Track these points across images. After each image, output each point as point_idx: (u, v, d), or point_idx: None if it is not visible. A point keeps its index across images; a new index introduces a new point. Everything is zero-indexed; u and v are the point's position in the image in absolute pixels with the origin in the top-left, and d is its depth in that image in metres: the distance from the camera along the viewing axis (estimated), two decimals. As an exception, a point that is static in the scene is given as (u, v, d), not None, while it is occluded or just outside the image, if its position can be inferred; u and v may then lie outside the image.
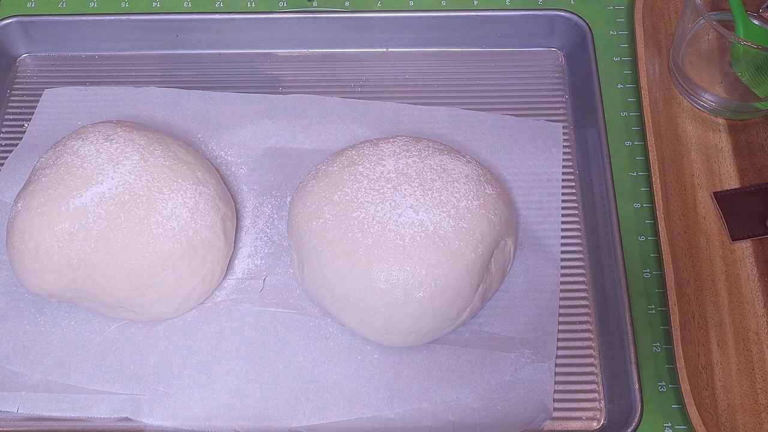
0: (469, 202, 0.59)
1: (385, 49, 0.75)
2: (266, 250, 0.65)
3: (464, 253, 0.57)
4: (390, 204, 0.58)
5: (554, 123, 0.71)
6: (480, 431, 0.58)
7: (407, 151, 0.61)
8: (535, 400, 0.58)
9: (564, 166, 0.69)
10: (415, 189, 0.59)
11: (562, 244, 0.65)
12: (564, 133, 0.70)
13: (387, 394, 0.59)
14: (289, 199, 0.66)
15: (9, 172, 0.68)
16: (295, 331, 0.61)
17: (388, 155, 0.61)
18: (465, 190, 0.59)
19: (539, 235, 0.65)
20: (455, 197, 0.59)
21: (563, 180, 0.68)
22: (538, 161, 0.69)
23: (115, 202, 0.58)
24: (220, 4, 0.79)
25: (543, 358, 0.60)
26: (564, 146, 0.70)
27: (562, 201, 0.67)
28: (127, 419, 0.58)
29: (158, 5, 0.79)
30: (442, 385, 0.59)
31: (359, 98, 0.72)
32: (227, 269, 0.63)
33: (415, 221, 0.57)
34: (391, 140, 0.63)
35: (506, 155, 0.69)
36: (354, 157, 0.62)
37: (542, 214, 0.66)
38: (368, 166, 0.61)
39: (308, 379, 0.59)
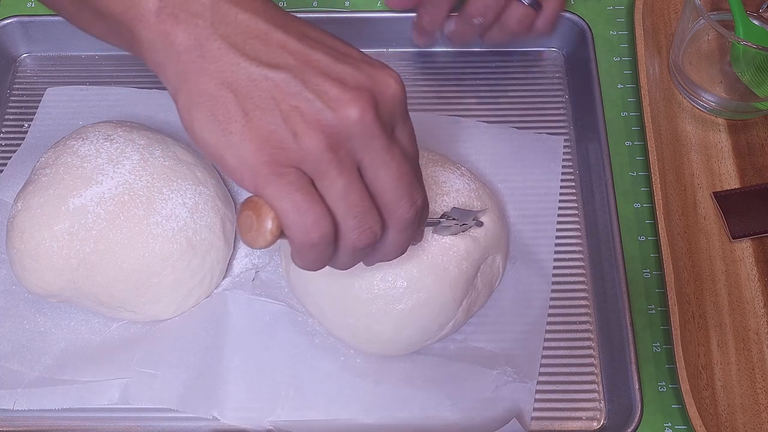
0: None
1: (385, 49, 0.75)
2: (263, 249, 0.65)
3: (447, 269, 0.57)
4: None
5: (555, 136, 0.70)
6: None
7: None
8: (513, 419, 0.57)
9: (564, 167, 0.69)
10: None
11: (562, 245, 0.65)
12: (565, 139, 0.70)
13: (366, 399, 0.58)
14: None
15: (10, 171, 0.68)
16: (283, 323, 0.61)
17: None
18: (455, 204, 0.59)
19: (532, 250, 0.65)
20: (442, 211, 0.58)
21: (564, 180, 0.68)
22: (537, 175, 0.68)
23: (114, 202, 0.58)
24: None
25: (525, 378, 0.59)
26: (564, 146, 0.69)
27: (562, 202, 0.67)
28: (121, 412, 0.58)
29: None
30: (422, 395, 0.59)
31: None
32: (226, 269, 0.63)
33: None
34: None
35: (504, 168, 0.68)
36: None
37: (537, 228, 0.66)
38: None
39: (290, 374, 0.59)
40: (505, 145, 0.69)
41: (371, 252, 0.45)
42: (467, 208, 0.58)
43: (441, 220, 0.55)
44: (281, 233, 0.42)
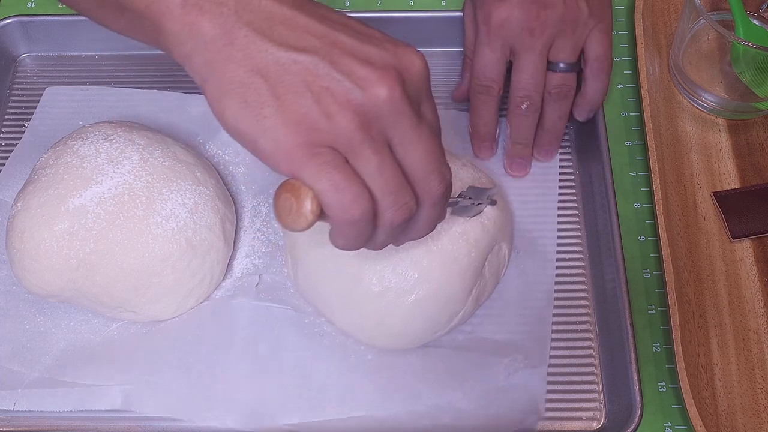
0: None
1: (385, 49, 0.75)
2: (263, 250, 0.65)
3: (457, 258, 0.57)
4: None
5: None
6: None
7: None
8: (526, 406, 0.58)
9: (564, 167, 0.69)
10: None
11: (562, 245, 0.65)
12: (565, 139, 0.70)
13: (379, 395, 0.59)
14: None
15: (10, 171, 0.68)
16: (290, 327, 0.61)
17: None
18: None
19: (535, 238, 0.65)
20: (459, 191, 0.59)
21: (564, 180, 0.68)
22: (535, 164, 0.68)
23: (114, 202, 0.58)
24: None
25: (536, 364, 0.59)
26: (564, 146, 0.69)
27: (562, 202, 0.67)
28: (121, 413, 0.58)
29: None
30: (435, 387, 0.59)
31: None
32: (227, 269, 0.63)
33: None
34: None
35: (503, 159, 0.69)
36: None
37: (538, 217, 0.66)
38: None
39: (301, 376, 0.59)
40: (503, 137, 0.69)
41: (405, 229, 0.46)
42: (481, 186, 0.59)
43: (459, 199, 0.56)
44: (320, 213, 0.42)
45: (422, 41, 0.74)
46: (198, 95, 0.72)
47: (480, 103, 0.65)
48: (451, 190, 0.47)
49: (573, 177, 0.68)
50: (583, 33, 0.63)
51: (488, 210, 0.59)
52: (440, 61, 0.75)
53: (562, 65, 0.63)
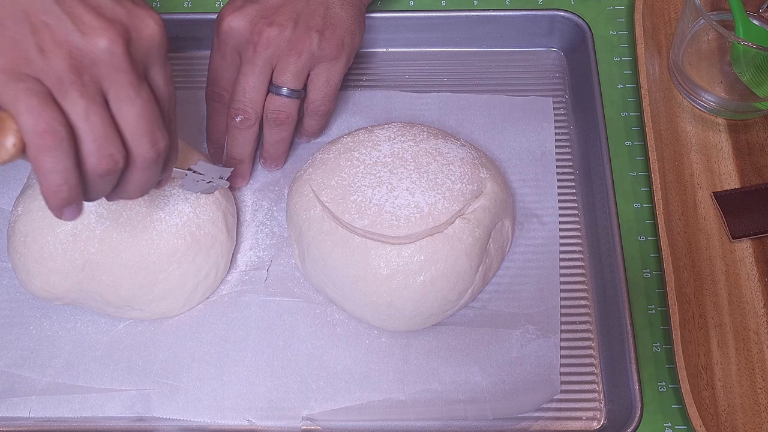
0: (463, 185, 0.59)
1: (385, 49, 0.75)
2: (268, 242, 0.65)
3: (461, 238, 0.58)
4: (387, 187, 0.59)
5: (544, 98, 0.71)
6: (490, 410, 0.58)
7: (402, 136, 0.62)
8: (542, 376, 0.59)
9: (564, 167, 0.69)
10: (411, 172, 0.59)
11: (563, 245, 0.65)
12: (565, 139, 0.70)
13: (397, 377, 0.59)
14: (287, 191, 0.67)
15: (2, 178, 0.67)
16: (302, 318, 0.61)
17: (384, 140, 0.62)
18: (460, 173, 0.60)
19: (537, 213, 0.66)
20: (450, 180, 0.59)
21: (564, 180, 0.68)
22: (531, 137, 0.69)
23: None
24: (219, 4, 0.79)
25: (548, 333, 0.60)
26: (564, 146, 0.70)
27: (562, 201, 0.67)
28: (140, 418, 0.58)
29: (158, 5, 0.79)
30: (450, 364, 0.60)
31: (358, 97, 0.72)
32: (230, 263, 0.63)
33: (411, 203, 0.58)
34: (386, 126, 0.64)
35: (499, 134, 0.70)
36: (350, 143, 0.62)
37: (539, 190, 0.67)
38: (364, 151, 0.61)
39: (317, 365, 0.59)
40: (496, 112, 0.70)
41: (114, 183, 0.46)
42: (216, 166, 0.60)
43: (187, 172, 0.57)
44: (24, 150, 0.42)
45: (422, 41, 0.75)
46: (188, 92, 0.72)
47: (212, 111, 0.65)
48: (172, 159, 0.48)
49: (573, 177, 0.68)
50: (309, 63, 0.62)
51: (489, 189, 0.60)
52: (440, 61, 0.75)
53: (284, 91, 0.62)
